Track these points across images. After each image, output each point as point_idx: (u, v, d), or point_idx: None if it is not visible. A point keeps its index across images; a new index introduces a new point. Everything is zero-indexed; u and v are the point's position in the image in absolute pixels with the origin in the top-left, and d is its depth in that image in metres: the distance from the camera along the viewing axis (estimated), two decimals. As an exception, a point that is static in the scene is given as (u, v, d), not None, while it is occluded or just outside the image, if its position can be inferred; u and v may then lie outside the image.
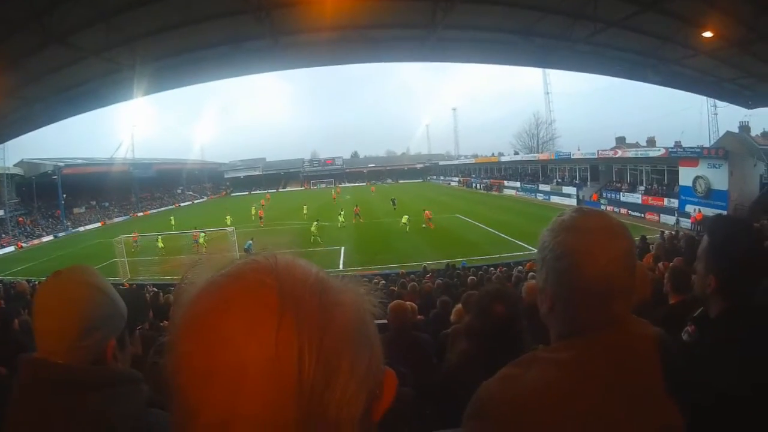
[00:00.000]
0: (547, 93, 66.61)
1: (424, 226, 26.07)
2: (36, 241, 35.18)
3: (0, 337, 3.07)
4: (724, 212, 21.94)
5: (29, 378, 0.85)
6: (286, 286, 0.38)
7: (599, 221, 0.82)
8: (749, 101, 22.01)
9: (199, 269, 0.42)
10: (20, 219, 38.02)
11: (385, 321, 3.10)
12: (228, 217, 31.18)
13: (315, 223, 25.19)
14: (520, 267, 10.73)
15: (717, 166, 23.25)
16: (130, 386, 0.90)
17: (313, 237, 23.75)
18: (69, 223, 41.62)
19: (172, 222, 30.81)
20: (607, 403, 0.71)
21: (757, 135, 32.72)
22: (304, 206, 34.57)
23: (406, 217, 26.29)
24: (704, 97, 28.81)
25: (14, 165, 39.00)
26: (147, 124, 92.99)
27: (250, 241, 20.25)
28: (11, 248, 32.33)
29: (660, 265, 5.04)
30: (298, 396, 0.35)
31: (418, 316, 4.76)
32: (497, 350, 1.57)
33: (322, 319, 0.38)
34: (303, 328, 0.36)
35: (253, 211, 34.55)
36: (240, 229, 25.15)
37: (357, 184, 79.27)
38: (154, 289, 9.99)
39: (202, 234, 24.30)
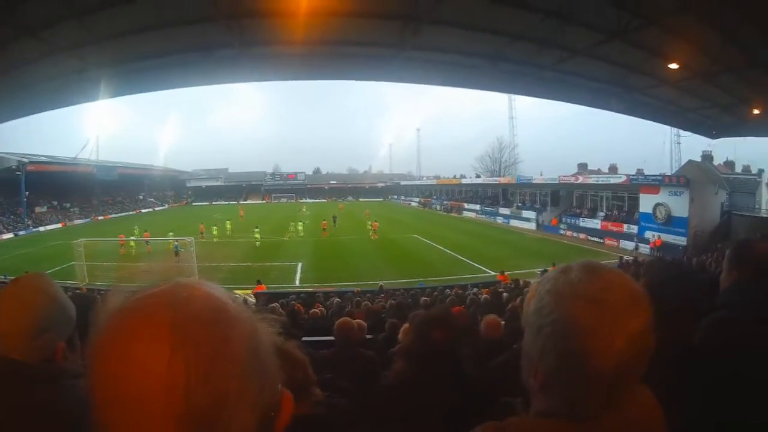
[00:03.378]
0: (512, 117, 68.29)
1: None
2: (-5, 239, 33.67)
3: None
4: (682, 242, 22.67)
5: None
6: (179, 320, 0.42)
7: (619, 291, 0.66)
8: (713, 131, 22.47)
9: (116, 294, 0.47)
10: (-20, 215, 36.41)
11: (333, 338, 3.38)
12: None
13: (256, 229, 27.75)
14: (475, 289, 10.81)
15: (678, 193, 23.83)
16: (75, 381, 0.98)
17: (257, 242, 26.53)
18: (30, 222, 40.10)
19: (136, 232, 29.41)
20: None
21: (719, 164, 34.18)
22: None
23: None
24: (668, 127, 29.71)
25: (-25, 159, 37.47)
26: (113, 126, 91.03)
27: (176, 242, 22.14)
28: (-31, 245, 30.81)
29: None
30: (189, 421, 0.39)
31: (369, 336, 4.88)
32: (433, 373, 1.68)
33: (211, 351, 0.42)
34: (191, 360, 0.40)
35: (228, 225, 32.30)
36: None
37: (318, 200, 79.36)
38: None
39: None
